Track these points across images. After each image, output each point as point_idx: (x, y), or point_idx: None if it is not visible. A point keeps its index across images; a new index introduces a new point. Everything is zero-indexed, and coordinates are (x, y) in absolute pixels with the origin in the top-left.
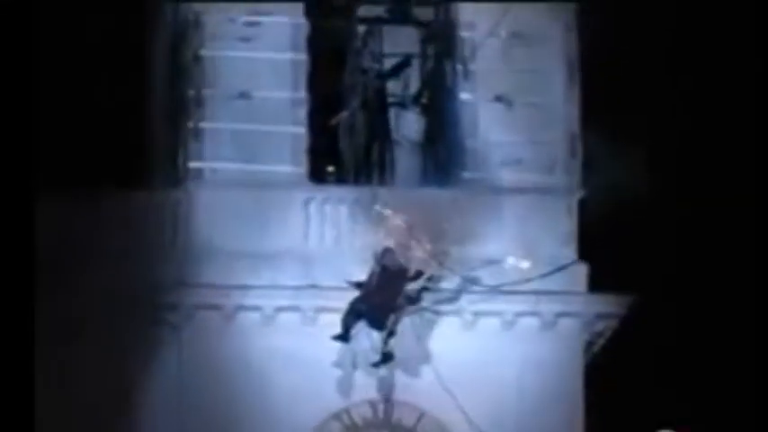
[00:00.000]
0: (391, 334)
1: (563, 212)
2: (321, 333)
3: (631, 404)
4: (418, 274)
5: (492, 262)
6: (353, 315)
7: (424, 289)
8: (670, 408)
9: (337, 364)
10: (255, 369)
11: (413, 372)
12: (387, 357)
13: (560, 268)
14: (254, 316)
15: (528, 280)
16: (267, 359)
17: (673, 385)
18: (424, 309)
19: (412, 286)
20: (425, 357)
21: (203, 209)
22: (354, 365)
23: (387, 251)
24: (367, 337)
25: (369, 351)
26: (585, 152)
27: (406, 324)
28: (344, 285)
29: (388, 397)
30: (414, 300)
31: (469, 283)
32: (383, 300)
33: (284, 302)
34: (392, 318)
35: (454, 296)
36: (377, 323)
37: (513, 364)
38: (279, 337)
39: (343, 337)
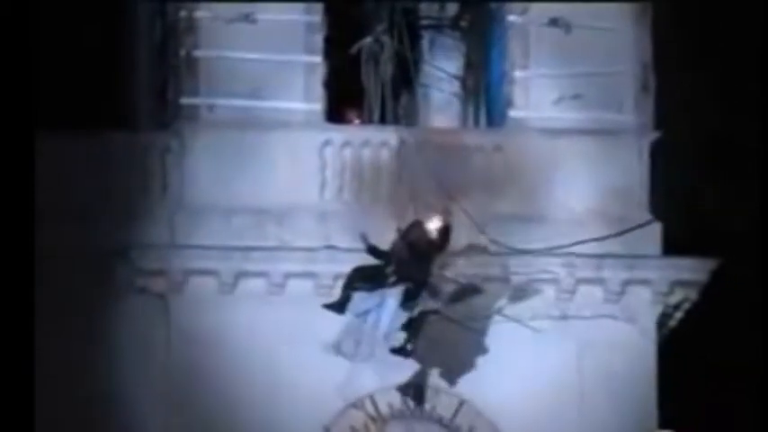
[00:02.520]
0: (414, 330)
1: (632, 159)
2: None
3: (714, 391)
4: (444, 234)
5: (544, 219)
6: (358, 285)
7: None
8: (758, 394)
9: (359, 342)
10: (259, 348)
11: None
12: (402, 352)
13: (631, 229)
14: (259, 284)
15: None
16: (274, 336)
17: (762, 367)
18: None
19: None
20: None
21: (198, 155)
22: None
23: (414, 225)
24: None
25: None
26: (659, 86)
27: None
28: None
29: (421, 382)
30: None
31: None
32: (410, 278)
33: (295, 268)
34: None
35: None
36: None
37: (571, 343)
38: (288, 310)
39: (340, 306)
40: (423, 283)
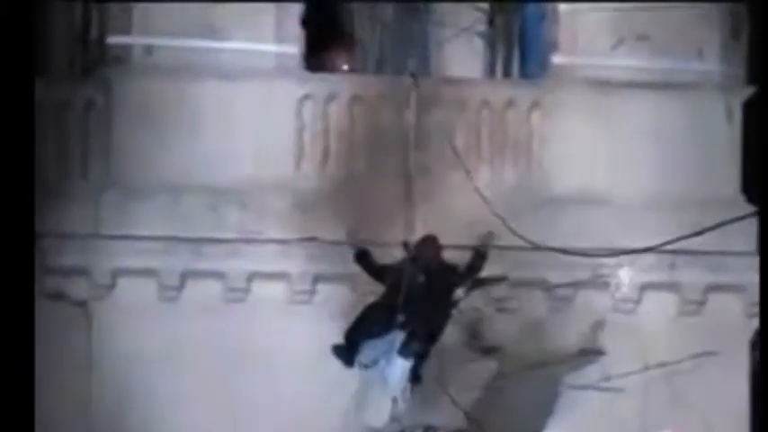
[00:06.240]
0: (424, 356)
1: (718, 122)
2: (320, 316)
3: None
4: (474, 264)
5: (597, 202)
6: (368, 333)
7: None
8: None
9: (346, 370)
10: (213, 374)
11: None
12: (416, 379)
13: (721, 224)
14: (213, 288)
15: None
16: (232, 358)
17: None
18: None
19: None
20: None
21: (131, 113)
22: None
23: (426, 241)
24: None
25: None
26: (755, 28)
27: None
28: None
29: (429, 424)
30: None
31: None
32: (425, 316)
33: (262, 266)
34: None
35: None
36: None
37: (635, 368)
38: (252, 323)
39: (348, 357)
40: (442, 322)
